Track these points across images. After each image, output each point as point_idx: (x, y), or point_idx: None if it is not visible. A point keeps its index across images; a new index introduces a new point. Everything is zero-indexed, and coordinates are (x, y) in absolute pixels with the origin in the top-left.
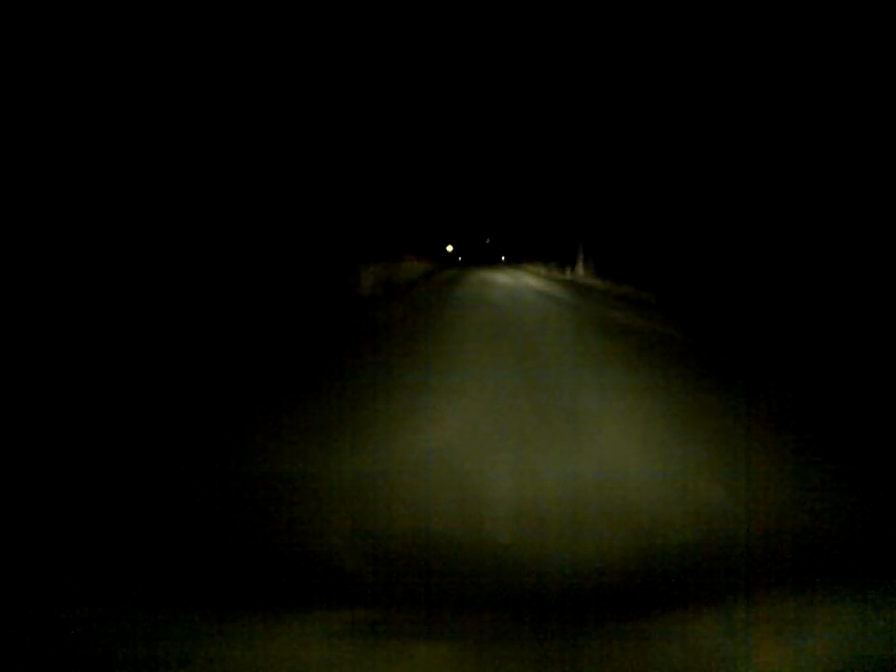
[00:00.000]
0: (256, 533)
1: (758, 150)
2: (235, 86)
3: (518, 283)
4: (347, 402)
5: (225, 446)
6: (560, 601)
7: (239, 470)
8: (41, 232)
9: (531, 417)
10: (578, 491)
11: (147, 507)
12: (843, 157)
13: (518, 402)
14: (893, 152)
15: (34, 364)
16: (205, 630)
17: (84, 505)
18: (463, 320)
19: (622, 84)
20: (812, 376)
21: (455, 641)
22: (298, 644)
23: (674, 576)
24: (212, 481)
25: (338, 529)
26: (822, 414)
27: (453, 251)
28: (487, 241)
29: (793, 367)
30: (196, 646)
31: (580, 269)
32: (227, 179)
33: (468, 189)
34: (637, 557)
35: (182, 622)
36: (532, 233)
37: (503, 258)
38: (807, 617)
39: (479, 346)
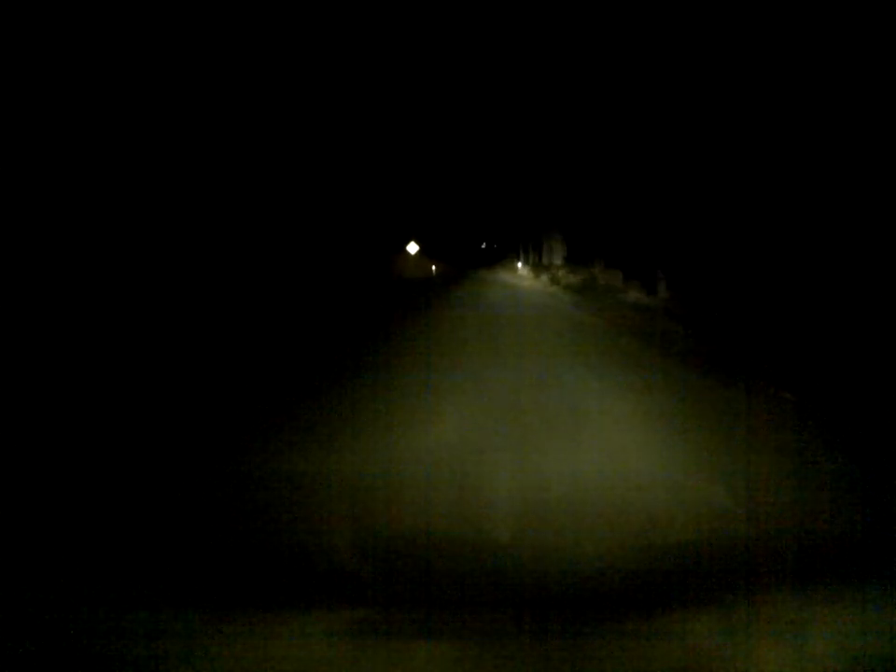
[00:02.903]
0: (256, 532)
1: (761, 153)
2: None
3: None
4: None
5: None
6: (560, 601)
7: (239, 469)
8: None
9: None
10: (577, 490)
11: (148, 507)
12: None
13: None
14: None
15: (51, 361)
16: (205, 630)
17: (85, 505)
18: None
19: (625, 86)
20: (813, 377)
21: (454, 641)
22: (298, 644)
23: (674, 576)
24: (212, 480)
25: (338, 529)
26: (822, 414)
27: (419, 253)
28: (483, 245)
29: (794, 367)
30: (196, 646)
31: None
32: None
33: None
34: (637, 557)
35: (182, 622)
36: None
37: (519, 264)
38: (807, 617)
39: None
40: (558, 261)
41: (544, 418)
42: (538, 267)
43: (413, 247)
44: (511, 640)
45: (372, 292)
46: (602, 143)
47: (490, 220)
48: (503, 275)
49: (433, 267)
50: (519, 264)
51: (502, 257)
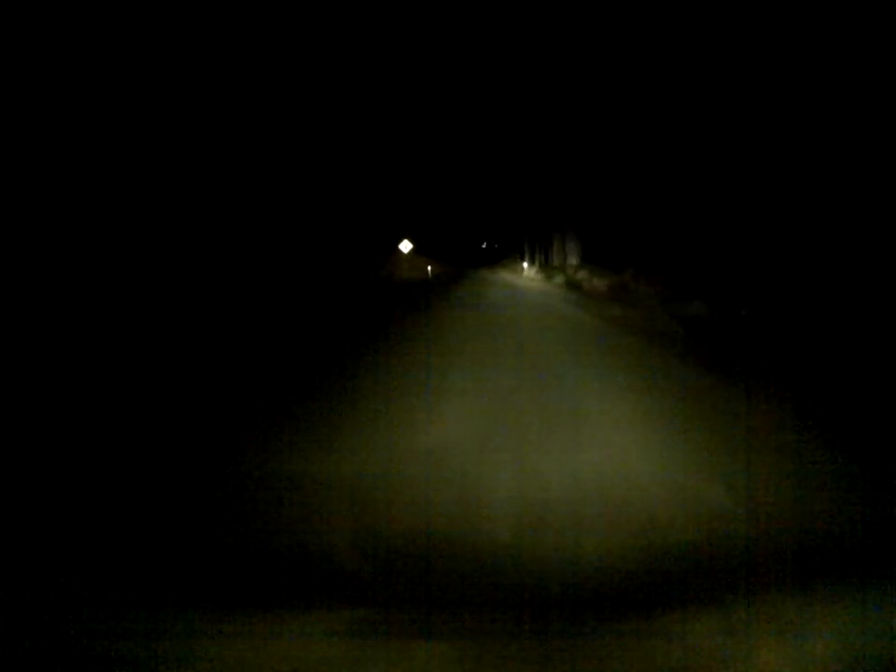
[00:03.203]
0: (256, 533)
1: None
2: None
3: None
4: None
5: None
6: (560, 601)
7: (239, 470)
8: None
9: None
10: (577, 490)
11: (148, 507)
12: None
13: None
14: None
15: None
16: (205, 630)
17: (85, 505)
18: None
19: (626, 83)
20: (813, 376)
21: (454, 641)
22: (298, 644)
23: (674, 576)
24: (212, 480)
25: (338, 529)
26: (822, 414)
27: (413, 252)
28: (483, 245)
29: (795, 366)
30: (196, 646)
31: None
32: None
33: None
34: (637, 557)
35: (182, 622)
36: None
37: (524, 264)
38: (807, 617)
39: None
40: (573, 261)
41: None
42: (547, 268)
43: (406, 246)
44: (511, 640)
45: (355, 297)
46: (628, 129)
47: (491, 219)
48: (508, 276)
49: (429, 267)
50: (525, 264)
51: (504, 256)
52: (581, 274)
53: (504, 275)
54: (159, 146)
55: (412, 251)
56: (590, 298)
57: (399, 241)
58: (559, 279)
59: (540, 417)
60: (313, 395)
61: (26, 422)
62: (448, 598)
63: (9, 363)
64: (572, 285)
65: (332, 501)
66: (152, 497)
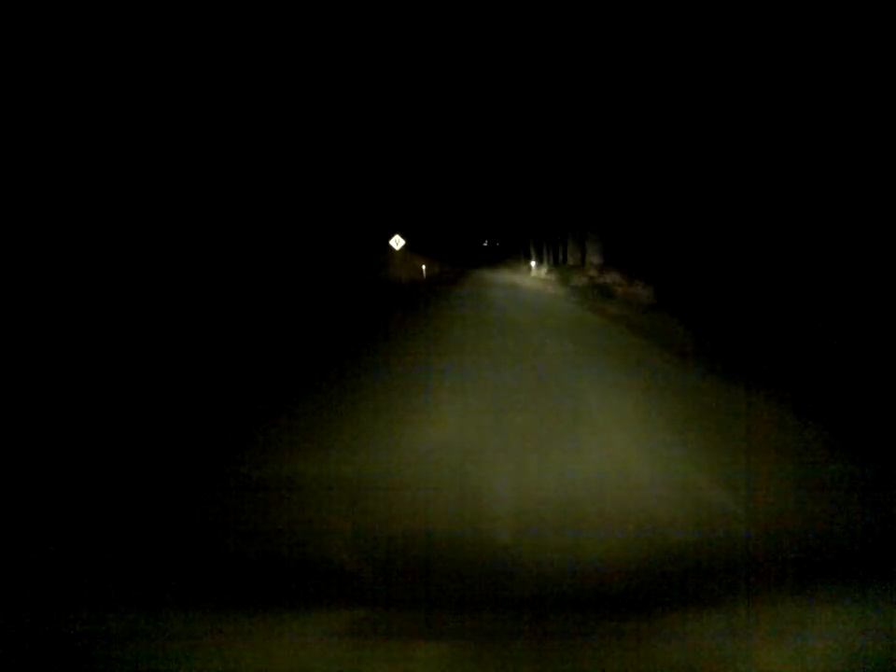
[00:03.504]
0: (256, 533)
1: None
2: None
3: None
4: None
5: None
6: (560, 601)
7: (239, 470)
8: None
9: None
10: (577, 489)
11: (148, 507)
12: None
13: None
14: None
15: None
16: (205, 630)
17: (85, 505)
18: None
19: (624, 81)
20: (813, 375)
21: (454, 641)
22: (298, 644)
23: (674, 576)
24: (212, 480)
25: (338, 529)
26: (822, 413)
27: (405, 249)
28: (485, 243)
29: (794, 364)
30: (196, 646)
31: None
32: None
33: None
34: (637, 557)
35: (182, 622)
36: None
37: (532, 263)
38: (807, 617)
39: None
40: (595, 261)
41: None
42: (560, 268)
43: (397, 242)
44: (511, 640)
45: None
46: (661, 109)
47: (493, 215)
48: (514, 278)
49: (423, 267)
50: (532, 263)
51: (507, 255)
52: (611, 277)
53: (509, 277)
54: (151, 147)
55: (404, 248)
56: (640, 315)
57: (390, 236)
58: (579, 282)
59: None
60: (312, 395)
61: (26, 422)
62: (448, 598)
63: (9, 363)
64: (601, 291)
65: (332, 501)
66: (152, 498)
